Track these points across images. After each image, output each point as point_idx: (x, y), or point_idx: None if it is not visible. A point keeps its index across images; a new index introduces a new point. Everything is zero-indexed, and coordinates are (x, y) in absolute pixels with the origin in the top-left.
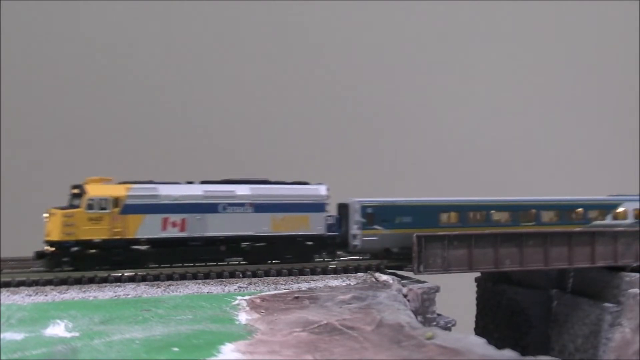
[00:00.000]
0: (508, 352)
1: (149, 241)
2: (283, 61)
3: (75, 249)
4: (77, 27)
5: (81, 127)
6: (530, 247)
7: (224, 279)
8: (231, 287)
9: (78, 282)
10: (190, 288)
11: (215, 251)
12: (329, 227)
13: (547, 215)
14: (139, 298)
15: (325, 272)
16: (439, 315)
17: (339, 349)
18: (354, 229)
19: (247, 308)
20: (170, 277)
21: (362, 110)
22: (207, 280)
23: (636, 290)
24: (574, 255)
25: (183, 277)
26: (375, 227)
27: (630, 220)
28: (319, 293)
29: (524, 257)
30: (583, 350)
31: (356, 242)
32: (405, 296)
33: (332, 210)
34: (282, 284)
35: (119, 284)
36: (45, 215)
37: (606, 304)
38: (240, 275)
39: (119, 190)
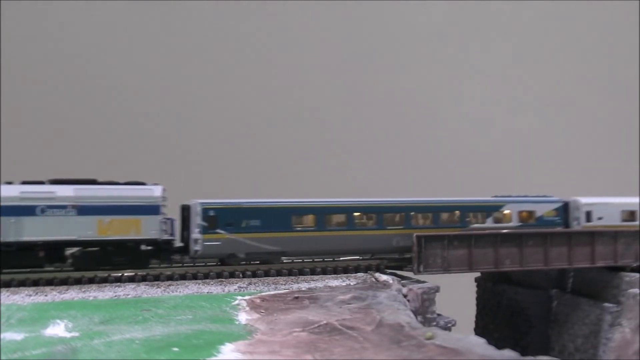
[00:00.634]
0: (508, 352)
1: None
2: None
3: None
4: (63, 27)
5: None
6: (530, 247)
7: (224, 279)
8: (231, 287)
9: (78, 282)
10: (190, 288)
11: (33, 257)
12: (165, 231)
13: (416, 218)
14: (139, 298)
15: (325, 272)
16: (439, 315)
17: (339, 349)
18: (195, 233)
19: (247, 308)
20: (170, 277)
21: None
22: (207, 280)
23: (636, 290)
24: (574, 255)
25: (183, 277)
26: (219, 231)
27: (515, 223)
28: (318, 293)
29: (523, 257)
30: (583, 350)
31: (197, 248)
32: (405, 296)
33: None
34: (282, 284)
35: (118, 284)
36: None
37: (606, 304)
38: (240, 275)
39: None
